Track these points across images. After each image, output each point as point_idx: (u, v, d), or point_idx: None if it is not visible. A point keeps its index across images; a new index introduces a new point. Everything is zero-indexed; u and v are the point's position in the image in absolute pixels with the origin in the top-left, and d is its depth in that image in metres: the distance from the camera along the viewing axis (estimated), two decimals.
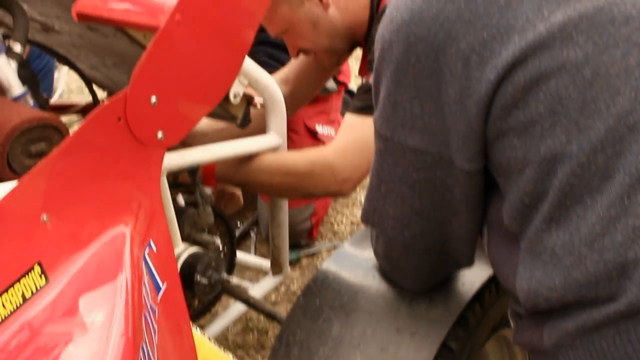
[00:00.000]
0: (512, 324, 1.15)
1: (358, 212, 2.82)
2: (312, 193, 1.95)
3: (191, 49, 1.25)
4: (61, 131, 1.24)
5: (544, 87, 0.98)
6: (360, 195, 2.87)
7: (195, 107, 1.30)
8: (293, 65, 2.34)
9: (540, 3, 0.99)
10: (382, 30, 1.11)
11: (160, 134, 1.24)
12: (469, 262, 1.26)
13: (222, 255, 1.75)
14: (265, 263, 2.12)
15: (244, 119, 1.73)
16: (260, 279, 2.09)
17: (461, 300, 1.31)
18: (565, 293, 0.97)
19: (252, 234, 2.65)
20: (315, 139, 2.77)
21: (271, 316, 1.75)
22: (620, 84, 0.95)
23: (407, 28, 1.05)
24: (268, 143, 1.82)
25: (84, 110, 2.00)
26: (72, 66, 1.80)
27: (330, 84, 2.76)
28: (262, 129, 1.87)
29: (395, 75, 1.08)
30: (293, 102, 2.30)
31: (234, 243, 1.90)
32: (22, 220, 1.10)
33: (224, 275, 1.56)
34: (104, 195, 1.20)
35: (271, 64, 2.71)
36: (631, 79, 0.95)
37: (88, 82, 1.78)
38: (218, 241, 1.59)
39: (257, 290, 1.98)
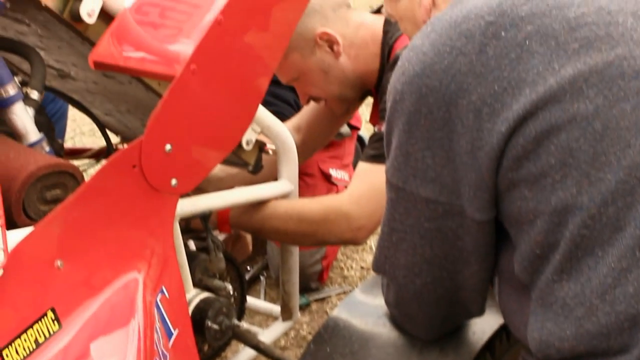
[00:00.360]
0: None
1: (368, 257, 2.82)
2: (326, 240, 1.95)
3: (206, 97, 1.27)
4: (76, 177, 1.25)
5: (554, 140, 0.99)
6: (371, 240, 2.87)
7: (209, 154, 1.32)
8: (305, 114, 2.37)
9: (550, 57, 1.00)
10: (394, 81, 1.12)
11: (174, 181, 1.25)
12: (480, 312, 1.26)
13: (232, 300, 1.75)
14: (275, 308, 2.12)
15: (256, 165, 1.74)
16: (269, 323, 2.10)
17: (472, 350, 1.30)
18: (577, 344, 0.98)
19: (262, 278, 2.66)
20: (329, 182, 2.79)
21: None
22: (631, 137, 0.97)
23: (419, 80, 1.06)
24: (280, 190, 1.84)
25: (97, 155, 2.02)
26: (87, 112, 1.82)
27: (344, 129, 2.79)
28: (273, 176, 1.89)
29: (407, 126, 1.10)
30: (305, 150, 2.32)
31: (244, 288, 1.90)
32: (36, 266, 1.12)
33: (234, 320, 1.57)
34: (117, 242, 1.21)
35: (275, 103, 2.74)
36: None
37: (102, 127, 1.80)
38: (229, 287, 1.60)
39: (267, 335, 1.98)
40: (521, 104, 1.00)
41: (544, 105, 0.99)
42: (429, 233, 1.14)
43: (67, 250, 1.14)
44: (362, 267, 2.78)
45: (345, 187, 2.77)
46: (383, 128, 1.90)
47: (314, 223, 1.86)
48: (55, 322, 1.11)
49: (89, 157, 2.02)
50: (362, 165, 1.98)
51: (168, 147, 1.22)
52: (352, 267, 2.78)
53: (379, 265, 1.26)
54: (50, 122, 1.47)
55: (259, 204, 1.82)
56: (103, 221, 1.19)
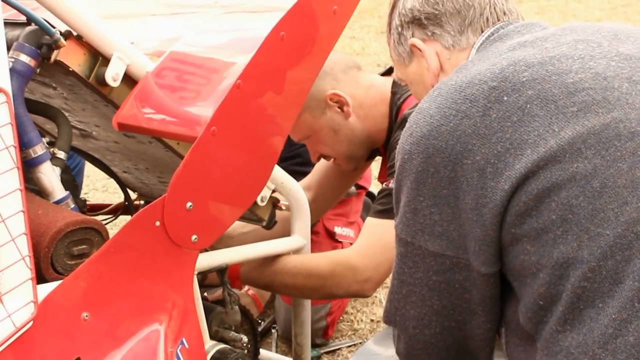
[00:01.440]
0: None
1: (378, 310, 2.86)
2: (334, 294, 2.01)
3: (225, 157, 1.34)
4: (102, 233, 1.32)
5: (555, 197, 1.05)
6: (381, 294, 2.92)
7: (227, 211, 1.38)
8: (315, 173, 2.43)
9: (550, 120, 1.07)
10: (403, 143, 1.19)
11: (194, 237, 1.32)
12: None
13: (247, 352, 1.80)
14: None
15: (270, 220, 1.80)
16: None
17: None
18: None
19: (274, 331, 2.70)
20: (333, 240, 2.83)
21: None
22: (628, 195, 1.03)
23: (426, 141, 1.13)
24: (292, 245, 1.90)
25: (115, 211, 2.08)
26: (107, 169, 1.89)
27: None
28: (286, 231, 1.95)
29: (415, 184, 1.16)
30: (316, 208, 2.37)
31: (257, 340, 1.95)
32: (64, 318, 1.18)
33: None
34: (140, 295, 1.27)
35: None
36: (638, 190, 1.03)
37: (122, 184, 1.87)
38: (245, 339, 1.65)
39: None
40: (523, 163, 1.07)
41: (545, 164, 1.06)
42: (437, 285, 1.19)
43: (93, 302, 1.21)
44: (372, 320, 2.82)
45: (351, 244, 2.83)
46: (391, 184, 1.98)
47: (321, 277, 1.92)
48: None
49: (108, 212, 2.08)
50: (370, 221, 2.04)
51: (189, 204, 1.29)
52: (362, 320, 2.82)
53: (390, 317, 1.31)
54: (75, 181, 1.54)
55: (268, 260, 1.88)
56: (127, 275, 1.25)
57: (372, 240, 1.96)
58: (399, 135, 2.05)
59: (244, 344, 1.64)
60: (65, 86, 1.54)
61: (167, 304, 1.30)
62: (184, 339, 1.31)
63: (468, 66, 1.17)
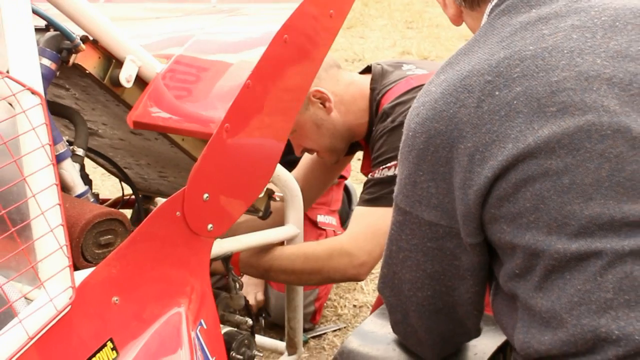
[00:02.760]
0: None
1: (360, 296, 2.99)
2: (331, 277, 2.13)
3: (237, 152, 1.45)
4: (124, 224, 1.42)
5: (530, 188, 1.19)
6: (361, 282, 3.04)
7: (239, 202, 1.50)
8: (301, 167, 2.57)
9: (532, 118, 1.20)
10: (409, 121, 1.32)
11: (210, 226, 1.43)
12: (476, 330, 1.45)
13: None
14: (280, 344, 2.28)
15: (266, 211, 1.92)
16: (272, 359, 2.25)
17: None
18: (551, 348, 1.18)
19: (261, 319, 2.81)
20: (317, 227, 2.96)
21: None
22: (593, 192, 1.17)
23: (430, 123, 1.26)
24: (287, 233, 2.01)
25: (114, 205, 2.17)
26: (112, 163, 1.97)
27: None
28: (275, 222, 2.06)
29: (416, 159, 1.29)
30: (303, 200, 2.50)
31: (254, 326, 2.06)
32: (97, 302, 1.28)
33: (255, 351, 1.73)
34: (163, 280, 1.38)
35: None
36: (602, 188, 1.17)
37: (127, 178, 1.95)
38: (250, 321, 1.76)
39: None
40: (504, 156, 1.20)
41: (523, 159, 1.19)
42: (430, 251, 1.33)
43: (122, 287, 1.31)
44: (354, 306, 2.95)
45: (334, 231, 2.96)
46: (376, 175, 2.11)
47: (319, 260, 2.05)
48: (114, 350, 1.27)
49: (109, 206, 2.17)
50: (359, 209, 2.17)
51: (206, 195, 1.40)
52: (345, 306, 2.95)
53: (387, 282, 1.43)
54: (88, 176, 1.63)
55: (266, 248, 1.99)
56: (152, 262, 1.35)
57: (363, 227, 2.09)
58: (380, 128, 2.19)
59: (249, 327, 1.76)
60: (79, 87, 1.63)
61: (186, 288, 1.41)
62: (202, 320, 1.42)
63: (474, 49, 1.29)
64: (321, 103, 2.25)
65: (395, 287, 1.42)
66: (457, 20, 1.46)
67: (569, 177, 1.18)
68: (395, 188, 1.36)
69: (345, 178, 3.08)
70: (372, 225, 2.08)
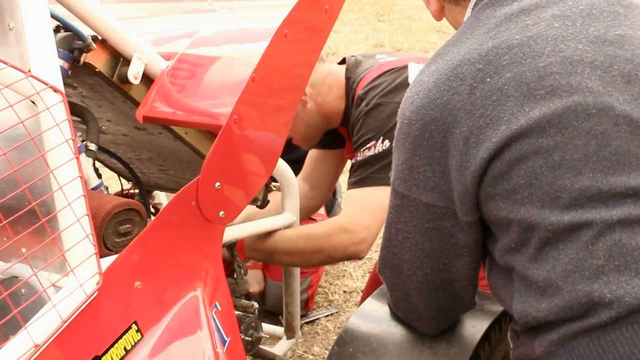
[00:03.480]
0: (511, 344, 1.43)
1: (349, 282, 3.09)
2: (332, 256, 2.23)
3: (245, 142, 1.52)
4: (141, 213, 1.49)
5: (523, 166, 1.28)
6: (350, 267, 3.14)
7: (247, 190, 1.57)
8: (308, 165, 2.71)
9: (522, 101, 1.29)
10: (403, 109, 1.40)
11: (222, 213, 1.50)
12: (472, 303, 1.54)
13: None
14: (278, 329, 2.37)
15: (264, 200, 2.00)
16: (268, 344, 2.34)
17: (473, 339, 1.57)
18: (548, 314, 1.27)
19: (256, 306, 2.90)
20: (308, 218, 3.05)
21: None
22: (582, 167, 1.27)
23: (424, 111, 1.35)
24: (285, 221, 2.10)
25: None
26: (117, 158, 2.03)
27: None
28: (277, 210, 2.15)
29: (412, 146, 1.38)
30: (316, 196, 2.65)
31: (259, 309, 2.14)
32: (121, 287, 1.35)
33: (262, 333, 1.81)
34: (181, 265, 1.45)
35: None
36: (590, 163, 1.26)
37: (132, 171, 2.01)
38: (256, 305, 1.84)
39: (276, 351, 2.22)
40: (499, 137, 1.29)
41: (516, 139, 1.28)
42: (428, 231, 1.41)
43: (144, 273, 1.38)
44: (344, 292, 3.04)
45: (322, 219, 3.06)
46: (359, 157, 2.21)
47: (320, 239, 2.15)
48: (138, 332, 1.35)
49: None
50: (350, 192, 2.28)
51: (217, 184, 1.48)
52: (335, 292, 3.04)
53: (386, 263, 1.52)
54: (98, 170, 1.70)
55: (268, 233, 2.08)
56: (170, 248, 1.43)
57: (358, 206, 2.20)
58: (356, 113, 2.31)
59: (255, 309, 1.83)
60: (87, 85, 1.70)
61: (202, 273, 1.49)
62: (217, 303, 1.50)
63: (462, 40, 1.38)
64: None
65: (395, 268, 1.51)
66: (438, 15, 1.56)
67: (559, 153, 1.27)
68: (392, 174, 1.45)
69: None
70: (366, 203, 2.20)
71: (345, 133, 2.52)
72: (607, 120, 1.27)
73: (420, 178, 1.38)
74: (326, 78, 2.45)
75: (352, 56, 2.51)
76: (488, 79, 1.31)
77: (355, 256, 2.23)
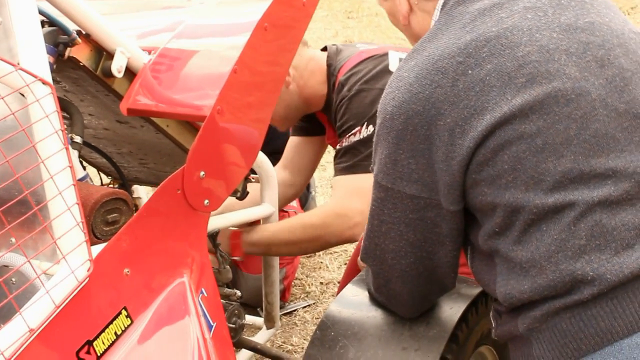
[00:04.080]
0: (493, 324, 1.48)
1: (325, 274, 3.14)
2: (329, 242, 2.30)
3: (228, 132, 1.56)
4: (128, 203, 1.53)
5: (507, 151, 1.33)
6: (326, 259, 3.19)
7: (230, 179, 1.62)
8: (287, 153, 2.76)
9: (504, 90, 1.34)
10: (385, 105, 1.44)
11: (206, 201, 1.54)
12: (453, 285, 1.59)
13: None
14: (258, 320, 2.41)
15: (243, 192, 2.04)
16: (248, 335, 2.38)
17: (451, 321, 1.62)
18: (532, 294, 1.32)
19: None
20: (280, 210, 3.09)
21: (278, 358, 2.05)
22: (563, 150, 1.32)
23: (407, 105, 1.39)
24: (264, 212, 2.14)
25: None
26: (99, 152, 2.05)
27: None
28: (254, 201, 2.19)
29: (395, 140, 1.42)
30: (295, 182, 2.69)
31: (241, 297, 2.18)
32: (111, 274, 1.39)
33: (245, 320, 1.85)
34: (168, 252, 1.49)
35: None
36: (571, 146, 1.32)
37: (116, 166, 2.04)
38: (239, 293, 1.88)
39: (258, 340, 2.26)
40: (483, 125, 1.34)
41: (500, 126, 1.33)
42: (412, 222, 1.46)
43: (132, 260, 1.42)
44: (321, 283, 3.09)
45: (295, 212, 3.11)
46: (345, 143, 2.26)
47: (317, 227, 2.24)
48: (128, 318, 1.38)
49: None
50: (339, 178, 2.34)
51: (202, 173, 1.51)
52: (312, 284, 3.09)
53: (369, 253, 1.56)
54: (82, 162, 1.73)
55: (264, 225, 2.13)
56: (157, 236, 1.46)
57: (349, 190, 2.27)
58: (338, 99, 2.37)
59: (239, 297, 1.88)
60: (70, 79, 1.73)
61: (188, 260, 1.52)
62: (203, 289, 1.54)
63: (438, 36, 1.42)
64: None
65: (378, 258, 1.55)
66: (405, 18, 1.59)
67: (542, 138, 1.32)
68: (375, 167, 1.49)
69: None
70: (356, 187, 2.27)
71: (325, 120, 2.57)
72: (586, 104, 1.33)
73: (404, 171, 1.42)
74: (309, 62, 2.51)
75: (333, 45, 2.58)
76: (470, 71, 1.36)
77: (351, 239, 2.30)
